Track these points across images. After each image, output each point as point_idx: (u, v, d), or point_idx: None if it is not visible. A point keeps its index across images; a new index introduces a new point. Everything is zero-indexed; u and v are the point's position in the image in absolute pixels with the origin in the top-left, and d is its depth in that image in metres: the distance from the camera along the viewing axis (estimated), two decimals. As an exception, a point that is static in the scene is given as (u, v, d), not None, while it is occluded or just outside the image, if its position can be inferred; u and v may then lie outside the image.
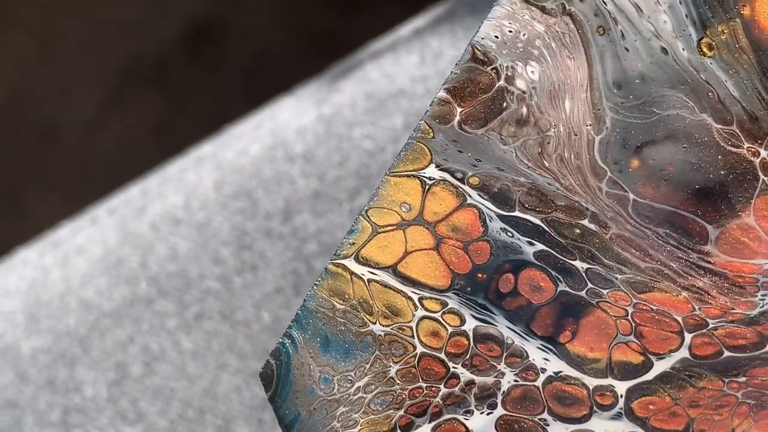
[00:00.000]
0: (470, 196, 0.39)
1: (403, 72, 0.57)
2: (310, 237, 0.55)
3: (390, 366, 0.39)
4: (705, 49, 0.38)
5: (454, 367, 0.39)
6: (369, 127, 0.56)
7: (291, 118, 0.59)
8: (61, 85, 1.03)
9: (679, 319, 0.38)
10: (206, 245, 0.57)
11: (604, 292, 0.38)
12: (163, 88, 1.04)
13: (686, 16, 0.38)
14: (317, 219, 0.56)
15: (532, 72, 0.39)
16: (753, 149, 0.38)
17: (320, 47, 1.01)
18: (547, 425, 0.38)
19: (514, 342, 0.39)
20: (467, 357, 0.39)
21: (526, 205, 0.39)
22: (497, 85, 0.39)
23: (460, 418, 0.39)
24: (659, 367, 0.38)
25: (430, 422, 0.39)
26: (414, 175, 0.39)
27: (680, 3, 0.38)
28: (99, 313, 0.57)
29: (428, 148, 0.39)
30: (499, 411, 0.39)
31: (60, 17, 1.01)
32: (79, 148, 1.02)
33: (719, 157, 0.38)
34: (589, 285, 0.38)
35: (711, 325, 0.38)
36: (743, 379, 0.37)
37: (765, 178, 0.38)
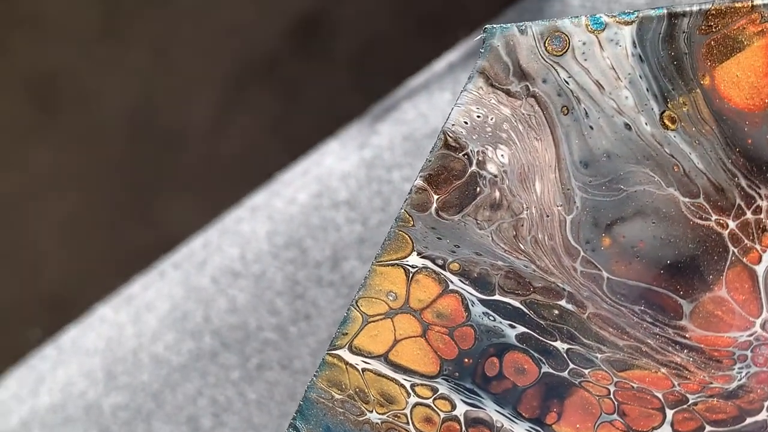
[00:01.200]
0: (452, 282, 0.40)
1: (437, 110, 0.58)
2: (357, 283, 0.57)
3: None
4: (668, 123, 0.38)
5: None
6: (407, 169, 0.58)
7: (335, 163, 0.61)
8: (180, 91, 1.07)
9: (660, 395, 0.38)
10: (262, 296, 0.59)
11: (586, 371, 0.39)
12: (276, 85, 1.06)
13: (647, 90, 0.38)
14: (364, 265, 0.58)
15: (502, 155, 0.40)
16: (721, 221, 0.37)
17: (428, 30, 1.01)
18: None
19: (503, 425, 0.40)
20: None
21: (505, 289, 0.40)
22: (470, 170, 0.40)
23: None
24: (644, 444, 0.39)
25: None
26: (398, 264, 0.41)
27: (641, 77, 0.38)
28: (169, 368, 0.61)
29: (409, 236, 0.41)
30: None
31: (172, 25, 1.04)
32: (204, 150, 1.06)
33: (688, 230, 0.38)
34: (571, 365, 0.39)
35: (691, 401, 0.38)
36: (726, 453, 0.37)
37: (735, 250, 0.37)
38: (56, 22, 1.02)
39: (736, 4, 0.37)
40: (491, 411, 0.40)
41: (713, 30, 0.37)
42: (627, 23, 0.38)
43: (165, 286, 0.62)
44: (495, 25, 0.40)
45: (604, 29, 0.38)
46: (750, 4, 0.37)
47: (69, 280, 1.00)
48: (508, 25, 0.40)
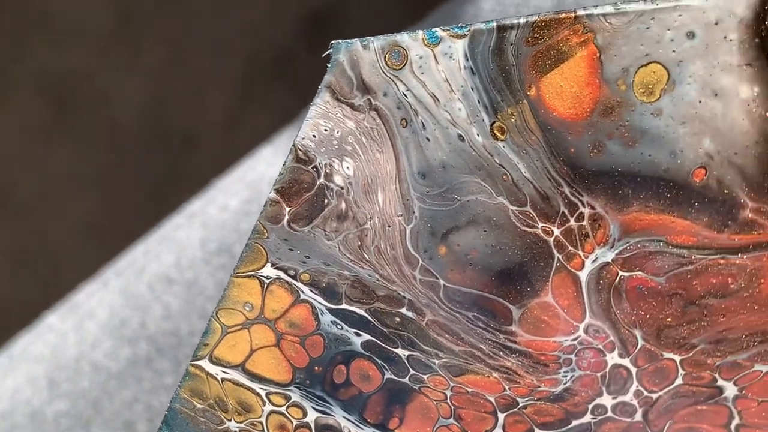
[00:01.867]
0: (303, 292, 0.41)
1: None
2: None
3: None
4: (497, 133, 0.39)
5: None
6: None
7: (266, 169, 0.62)
8: (194, 89, 1.08)
9: (492, 399, 0.39)
10: (194, 302, 0.61)
11: (425, 377, 0.40)
12: (289, 80, 1.07)
13: (479, 101, 0.39)
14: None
15: (348, 167, 0.41)
16: (547, 228, 0.38)
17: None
18: None
19: (350, 431, 0.41)
20: None
21: (352, 298, 0.41)
22: (318, 182, 0.41)
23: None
24: (478, 447, 0.39)
25: None
26: (254, 275, 0.42)
27: (472, 89, 0.39)
28: (108, 374, 0.62)
29: (264, 248, 0.42)
30: None
31: (185, 26, 1.06)
32: (220, 146, 1.07)
33: (517, 238, 0.39)
34: (411, 371, 0.40)
35: (521, 404, 0.38)
36: (553, 456, 0.38)
37: (559, 256, 0.38)
38: (71, 25, 1.04)
39: (560, 15, 0.38)
40: (339, 417, 0.41)
41: (539, 41, 0.38)
42: (460, 37, 0.39)
43: (107, 294, 0.64)
44: (341, 41, 0.41)
45: (439, 43, 0.39)
46: (573, 14, 0.38)
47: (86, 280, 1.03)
48: (352, 40, 0.41)
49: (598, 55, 0.37)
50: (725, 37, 0.36)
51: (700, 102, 0.36)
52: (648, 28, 0.37)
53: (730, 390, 0.36)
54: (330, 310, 0.41)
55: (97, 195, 1.05)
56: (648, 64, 0.37)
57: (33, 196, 1.05)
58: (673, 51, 0.36)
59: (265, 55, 1.08)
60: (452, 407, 0.39)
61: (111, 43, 1.06)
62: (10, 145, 1.05)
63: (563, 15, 0.38)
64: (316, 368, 0.41)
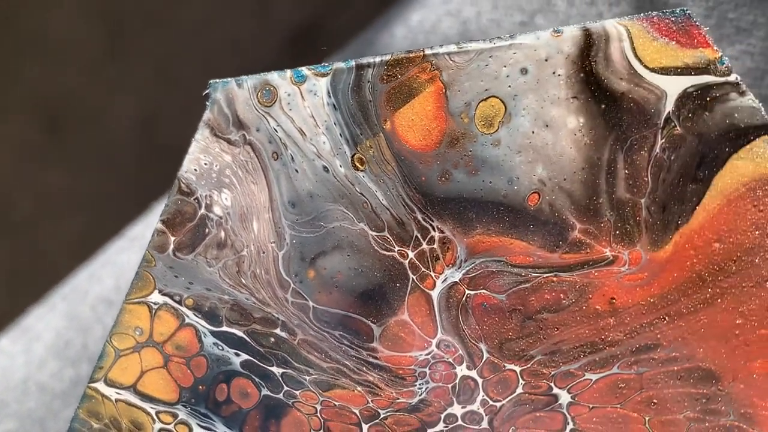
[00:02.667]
0: (188, 316, 0.44)
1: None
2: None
3: None
4: (357, 164, 0.42)
5: None
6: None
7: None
8: (183, 106, 1.10)
9: (357, 411, 0.42)
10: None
11: (297, 392, 0.43)
12: None
13: (341, 135, 0.42)
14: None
15: (226, 198, 0.44)
16: (402, 251, 0.41)
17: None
18: None
19: None
20: None
21: (231, 320, 0.44)
22: (200, 213, 0.44)
23: None
24: (344, 457, 0.42)
25: None
26: (143, 302, 0.45)
27: (335, 124, 0.42)
28: (53, 394, 0.66)
29: (152, 275, 0.45)
30: None
31: (175, 42, 1.09)
32: None
33: (376, 261, 0.42)
34: (285, 387, 0.43)
35: (382, 415, 0.41)
36: (411, 464, 0.41)
37: (414, 277, 0.41)
38: (62, 45, 1.06)
39: (410, 54, 0.41)
40: (221, 432, 0.44)
41: (392, 78, 0.41)
42: (323, 75, 0.42)
43: (54, 317, 0.68)
44: (218, 80, 0.45)
45: (304, 81, 0.42)
46: (422, 53, 0.41)
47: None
48: (228, 79, 0.44)
49: (444, 90, 0.40)
50: (554, 72, 0.39)
51: (533, 132, 0.39)
52: (487, 65, 0.40)
53: (564, 397, 0.39)
54: (212, 333, 0.44)
55: (91, 213, 1.07)
56: (488, 98, 0.40)
57: (28, 216, 1.08)
58: (509, 86, 0.39)
59: (253, 72, 1.10)
60: (322, 420, 0.42)
61: (102, 62, 1.08)
62: (3, 165, 1.08)
63: (413, 54, 0.41)
64: (201, 387, 0.44)
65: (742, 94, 0.36)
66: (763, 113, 0.36)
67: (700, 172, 0.37)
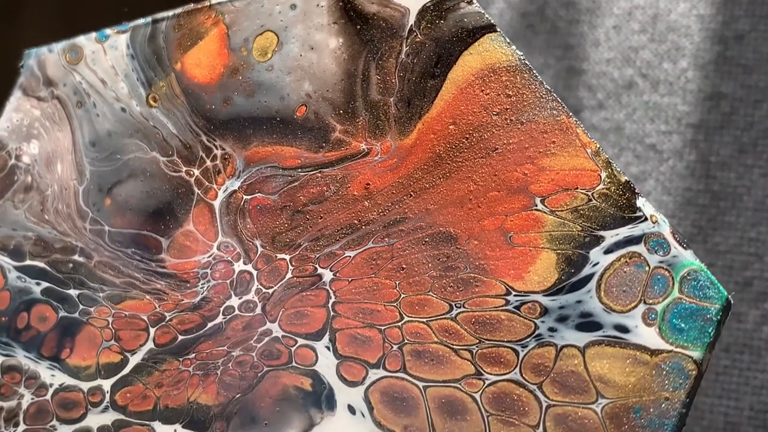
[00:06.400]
0: None
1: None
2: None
3: None
4: (152, 102, 0.47)
5: None
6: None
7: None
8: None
9: (145, 318, 0.45)
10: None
11: (92, 309, 0.46)
12: None
13: (137, 79, 0.47)
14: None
15: (34, 147, 0.49)
16: (189, 171, 0.46)
17: None
18: (56, 430, 0.46)
19: (29, 367, 0.47)
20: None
21: (34, 254, 0.48)
22: (10, 163, 0.49)
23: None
24: (133, 360, 0.45)
25: None
26: None
27: (133, 71, 0.48)
28: None
29: None
30: (21, 427, 0.46)
31: None
32: None
33: (166, 183, 0.46)
34: (81, 306, 0.46)
35: (168, 318, 0.45)
36: (193, 355, 0.44)
37: (198, 192, 0.46)
38: None
39: (198, 6, 0.47)
40: (21, 357, 0.47)
41: (183, 27, 0.47)
42: (123, 32, 0.48)
43: None
44: (32, 49, 0.50)
45: (107, 39, 0.48)
46: (209, 3, 0.47)
47: None
48: (42, 48, 0.50)
49: (226, 31, 0.46)
50: (318, 5, 0.45)
51: (301, 56, 0.45)
52: (262, 6, 0.46)
53: (327, 275, 0.43)
54: (16, 268, 0.48)
55: None
56: (263, 32, 0.46)
57: None
58: (281, 20, 0.46)
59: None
60: (113, 331, 0.46)
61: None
62: None
63: (201, 5, 0.47)
64: (2, 318, 0.47)
65: (470, 2, 0.43)
66: (487, 17, 0.43)
67: (437, 69, 0.43)
